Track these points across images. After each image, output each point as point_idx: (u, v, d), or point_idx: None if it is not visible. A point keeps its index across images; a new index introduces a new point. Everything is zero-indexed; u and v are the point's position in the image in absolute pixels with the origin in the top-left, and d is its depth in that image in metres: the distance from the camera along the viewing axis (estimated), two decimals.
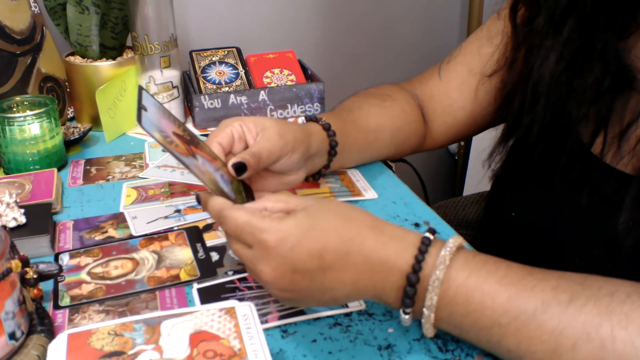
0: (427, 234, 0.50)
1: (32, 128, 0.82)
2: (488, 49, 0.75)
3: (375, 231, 0.50)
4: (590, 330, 0.44)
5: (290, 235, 0.48)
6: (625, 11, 0.58)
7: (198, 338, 0.46)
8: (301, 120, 0.74)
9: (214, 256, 0.67)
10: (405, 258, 0.49)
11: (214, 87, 1.02)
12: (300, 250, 0.48)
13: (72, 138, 0.93)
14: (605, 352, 0.43)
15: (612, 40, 0.58)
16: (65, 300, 0.60)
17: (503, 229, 0.73)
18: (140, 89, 0.57)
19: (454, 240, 0.50)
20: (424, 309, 0.49)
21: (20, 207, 0.70)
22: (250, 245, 0.51)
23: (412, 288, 0.49)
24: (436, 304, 0.48)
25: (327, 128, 0.72)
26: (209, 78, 1.03)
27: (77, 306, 0.59)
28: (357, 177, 0.82)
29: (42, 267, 0.57)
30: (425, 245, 0.49)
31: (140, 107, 0.54)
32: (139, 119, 0.53)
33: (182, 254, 0.67)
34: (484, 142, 0.77)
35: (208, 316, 0.49)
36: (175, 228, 0.72)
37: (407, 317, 0.50)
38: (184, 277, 0.63)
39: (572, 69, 0.61)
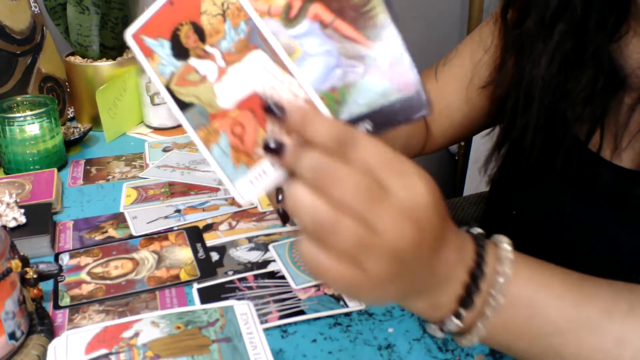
0: (474, 231, 0.43)
1: (32, 128, 0.82)
2: (480, 55, 0.76)
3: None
4: None
5: (437, 199, 0.37)
6: (616, 13, 0.58)
7: None
8: None
9: (214, 256, 0.67)
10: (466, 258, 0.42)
11: None
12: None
13: (72, 138, 0.93)
14: None
15: (603, 42, 0.58)
16: (65, 300, 0.60)
17: (504, 226, 0.74)
18: None
19: (504, 237, 0.44)
20: (487, 310, 0.42)
21: (20, 207, 0.70)
22: (384, 186, 0.36)
23: (475, 286, 0.41)
24: (498, 306, 0.41)
25: None
26: None
27: (77, 306, 0.59)
28: None
29: (42, 267, 0.57)
30: (481, 246, 0.42)
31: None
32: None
33: (182, 254, 0.67)
34: (484, 143, 0.77)
35: None
36: (175, 228, 0.72)
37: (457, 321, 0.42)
38: (184, 277, 0.63)
39: (564, 72, 0.61)
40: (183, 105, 0.39)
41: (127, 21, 0.97)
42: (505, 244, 0.43)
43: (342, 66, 0.38)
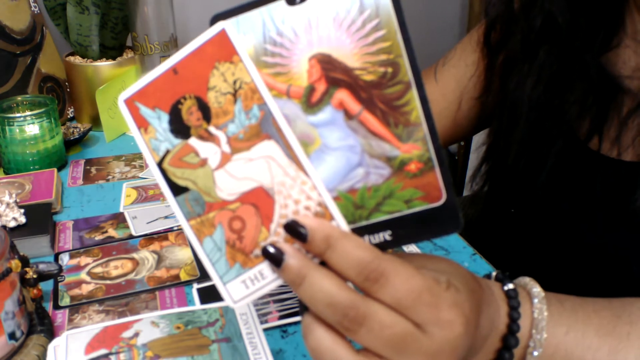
0: (508, 288, 0.42)
1: (32, 128, 0.82)
2: (473, 58, 0.76)
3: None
4: None
5: (472, 316, 0.35)
6: (605, 29, 0.57)
7: None
8: None
9: None
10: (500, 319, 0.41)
11: None
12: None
13: (72, 138, 0.93)
14: None
15: (592, 60, 0.57)
16: (65, 300, 0.60)
17: (504, 225, 0.74)
18: None
19: (535, 287, 0.43)
20: None
21: (20, 207, 0.70)
22: (417, 324, 0.33)
23: (509, 352, 0.40)
24: None
25: None
26: None
27: (77, 306, 0.59)
28: None
29: (42, 267, 0.57)
30: (514, 303, 0.41)
31: None
32: None
33: (182, 254, 0.67)
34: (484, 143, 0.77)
35: None
36: (175, 228, 0.72)
37: None
38: (183, 277, 0.63)
39: (550, 92, 0.60)
40: (176, 189, 0.34)
41: (127, 21, 0.97)
42: (537, 300, 0.42)
43: (365, 165, 0.34)
